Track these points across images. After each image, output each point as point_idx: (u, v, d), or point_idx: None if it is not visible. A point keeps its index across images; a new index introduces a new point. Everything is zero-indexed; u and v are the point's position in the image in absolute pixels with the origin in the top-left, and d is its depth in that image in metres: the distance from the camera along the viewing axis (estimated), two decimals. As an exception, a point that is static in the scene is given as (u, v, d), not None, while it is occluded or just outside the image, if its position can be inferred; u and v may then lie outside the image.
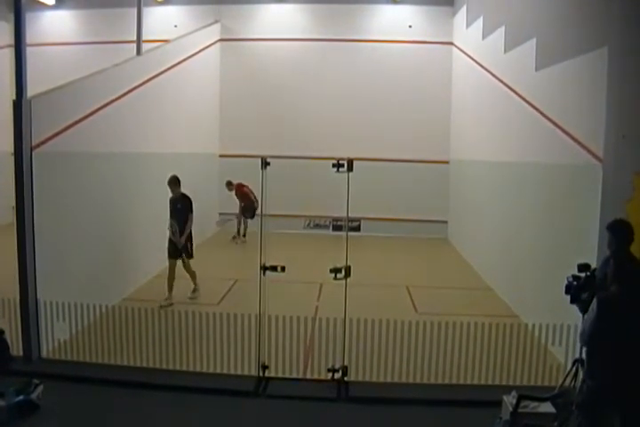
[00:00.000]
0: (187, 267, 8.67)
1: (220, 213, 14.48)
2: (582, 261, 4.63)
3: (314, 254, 11.28)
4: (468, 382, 5.90)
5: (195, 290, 8.74)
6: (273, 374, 6.03)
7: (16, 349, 6.13)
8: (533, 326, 5.97)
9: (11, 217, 6.83)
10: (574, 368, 4.64)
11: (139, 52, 9.98)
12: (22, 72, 6.16)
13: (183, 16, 15.20)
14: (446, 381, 5.93)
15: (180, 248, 8.51)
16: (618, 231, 4.34)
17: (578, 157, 6.41)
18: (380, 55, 14.97)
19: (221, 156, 14.96)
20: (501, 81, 9.88)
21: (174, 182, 8.51)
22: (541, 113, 7.75)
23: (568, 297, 4.56)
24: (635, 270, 4.23)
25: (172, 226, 8.43)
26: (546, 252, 7.32)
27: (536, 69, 8.04)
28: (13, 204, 6.18)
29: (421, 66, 14.83)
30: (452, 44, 14.52)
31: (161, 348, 6.25)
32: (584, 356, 4.37)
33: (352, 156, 6.22)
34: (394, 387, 5.85)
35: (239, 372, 6.02)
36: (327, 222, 15.12)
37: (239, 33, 15.18)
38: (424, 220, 14.65)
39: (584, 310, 4.31)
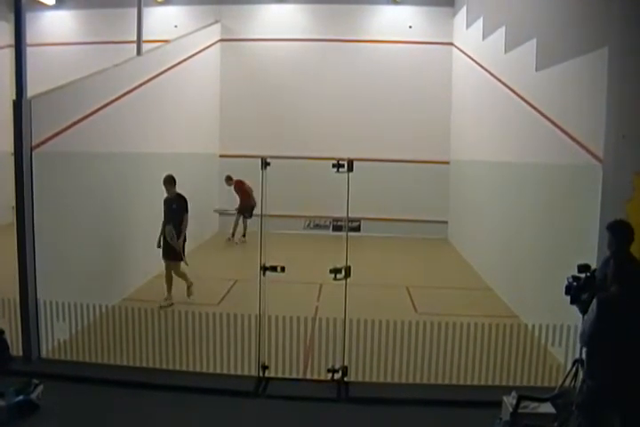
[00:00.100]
0: (176, 270, 8.52)
1: (221, 214, 14.49)
2: (582, 261, 4.63)
3: (314, 255, 11.28)
4: (468, 382, 5.89)
5: (188, 288, 8.62)
6: (273, 375, 6.02)
7: (16, 349, 6.14)
8: (533, 326, 5.97)
9: (11, 217, 6.83)
10: (574, 369, 4.64)
11: (139, 52, 9.99)
12: (22, 72, 6.16)
13: (183, 16, 15.20)
14: (446, 381, 5.93)
15: (178, 249, 8.43)
16: (618, 232, 4.34)
17: (578, 158, 6.41)
18: (381, 55, 14.97)
19: (221, 156, 14.95)
20: (501, 81, 9.88)
21: (170, 182, 8.43)
22: (541, 113, 7.75)
23: (568, 298, 4.55)
24: (635, 271, 4.23)
25: (169, 232, 8.27)
26: (546, 252, 7.32)
27: (536, 70, 8.04)
28: (13, 204, 6.18)
29: (421, 66, 14.84)
30: (452, 44, 14.52)
31: (161, 348, 6.25)
32: (584, 356, 4.37)
33: (352, 156, 6.21)
34: (394, 387, 5.85)
35: (239, 372, 6.02)
36: (327, 223, 15.11)
37: (239, 33, 15.18)
38: (424, 220, 14.65)
39: (584, 311, 4.31)
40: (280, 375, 6.02)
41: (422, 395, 5.68)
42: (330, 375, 5.92)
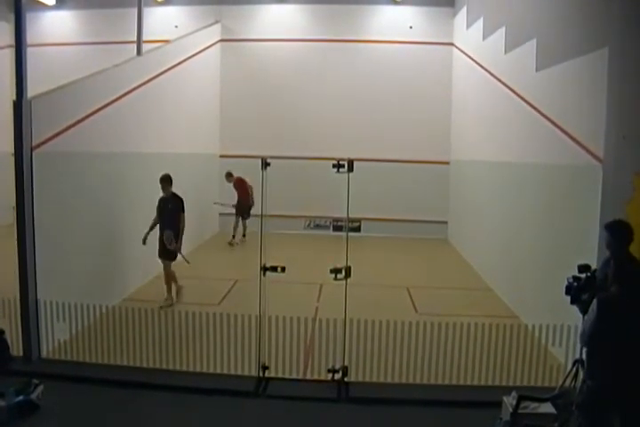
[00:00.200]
0: (167, 269, 8.45)
1: (221, 214, 14.48)
2: (582, 261, 4.63)
3: (314, 255, 11.29)
4: (469, 382, 5.89)
5: (178, 291, 8.49)
6: (273, 375, 6.02)
7: (16, 349, 6.15)
8: (533, 326, 5.97)
9: (11, 217, 6.83)
10: (574, 369, 4.63)
11: (139, 52, 9.99)
12: (23, 72, 6.16)
13: (183, 16, 15.21)
14: (446, 381, 5.92)
15: (175, 251, 8.37)
16: (616, 232, 4.33)
17: (578, 158, 6.41)
18: (381, 56, 14.98)
19: (222, 156, 14.94)
20: (502, 81, 9.88)
21: (166, 181, 8.34)
22: (542, 113, 7.75)
23: (568, 298, 4.55)
24: (635, 271, 4.23)
25: (168, 238, 8.20)
26: (546, 252, 7.32)
27: (536, 70, 8.04)
28: (14, 204, 6.18)
29: (422, 67, 14.84)
30: (452, 44, 14.52)
31: (161, 348, 6.25)
32: (584, 356, 4.37)
33: (352, 156, 6.21)
34: (394, 387, 5.85)
35: (239, 372, 6.02)
36: (327, 223, 15.12)
37: (239, 33, 15.19)
38: (424, 220, 14.65)
39: (584, 311, 4.30)
40: (280, 376, 6.01)
41: (422, 395, 5.68)
42: (330, 376, 5.92)
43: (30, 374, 5.67)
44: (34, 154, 6.21)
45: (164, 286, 8.41)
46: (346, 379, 5.91)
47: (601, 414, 4.15)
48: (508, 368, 5.83)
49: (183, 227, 8.33)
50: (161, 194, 8.38)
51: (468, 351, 6.09)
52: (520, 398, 4.77)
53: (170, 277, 8.42)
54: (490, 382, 5.80)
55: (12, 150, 6.13)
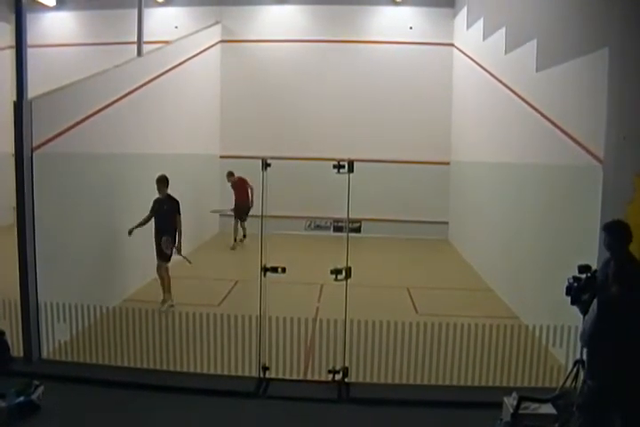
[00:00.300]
0: (159, 270, 8.37)
1: (221, 215, 14.47)
2: (583, 262, 4.62)
3: (314, 256, 11.28)
4: (469, 383, 5.89)
5: (164, 301, 8.25)
6: (273, 376, 6.02)
7: (17, 350, 6.15)
8: (534, 327, 5.96)
9: (12, 218, 6.83)
10: (575, 369, 4.63)
11: (139, 53, 10.01)
12: (23, 73, 6.16)
13: (184, 17, 15.22)
14: (447, 382, 5.92)
15: (172, 253, 8.28)
16: (615, 232, 4.33)
17: (578, 159, 6.41)
18: (381, 56, 14.98)
19: (222, 157, 14.94)
20: (502, 82, 9.88)
21: (163, 182, 8.26)
22: (542, 114, 7.75)
23: (569, 298, 4.55)
24: (635, 272, 4.23)
25: (165, 243, 8.13)
26: (546, 253, 7.32)
27: (537, 70, 8.04)
28: (14, 204, 6.18)
29: (422, 67, 14.84)
30: (452, 45, 14.53)
31: (161, 349, 6.25)
32: (585, 357, 4.37)
33: (353, 157, 6.20)
34: (394, 388, 5.85)
35: (240, 373, 6.02)
36: (328, 223, 15.11)
37: (240, 34, 15.20)
38: (425, 221, 14.65)
39: (585, 312, 4.30)
40: (281, 376, 6.01)
41: (423, 396, 5.68)
42: (330, 376, 5.92)
43: (31, 374, 5.67)
44: (34, 155, 6.22)
45: (163, 289, 8.36)
46: (346, 380, 5.91)
47: (601, 415, 4.14)
48: (508, 369, 5.83)
49: (180, 228, 8.26)
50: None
51: (468, 352, 6.09)
52: (521, 399, 4.77)
53: (167, 284, 8.34)
54: (490, 383, 5.80)
55: (13, 151, 6.13)
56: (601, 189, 5.74)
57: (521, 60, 8.77)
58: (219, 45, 14.97)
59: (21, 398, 5.16)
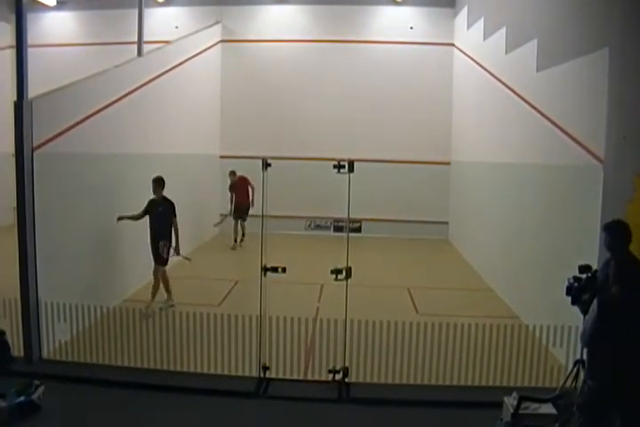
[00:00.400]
0: (156, 272, 8.23)
1: (221, 215, 14.45)
2: (583, 262, 4.62)
3: (315, 255, 11.28)
4: (469, 383, 5.89)
5: (153, 295, 8.14)
6: (274, 376, 6.02)
7: (17, 349, 6.15)
8: (534, 327, 5.96)
9: (12, 218, 6.83)
10: (575, 369, 4.63)
11: (140, 53, 10.01)
12: (23, 73, 6.16)
13: (184, 17, 15.22)
14: (447, 382, 5.92)
15: (170, 257, 8.19)
16: (615, 232, 4.32)
17: (578, 158, 6.41)
18: (381, 56, 14.98)
19: (222, 157, 14.94)
20: (502, 82, 9.88)
21: (159, 183, 8.14)
22: (542, 114, 7.75)
23: (569, 298, 4.55)
24: (636, 272, 4.22)
25: (162, 247, 8.02)
26: (546, 253, 7.32)
27: (537, 70, 8.04)
28: (14, 205, 6.18)
29: (422, 67, 14.84)
30: (452, 45, 14.52)
31: (162, 349, 6.25)
32: (585, 357, 4.37)
33: (353, 157, 6.20)
34: (395, 388, 5.85)
35: (240, 373, 6.02)
36: (328, 223, 15.11)
37: (240, 34, 15.19)
38: (425, 221, 14.66)
39: (585, 312, 4.30)
40: (281, 376, 6.01)
41: (423, 396, 5.68)
42: (331, 376, 5.92)
43: (31, 374, 5.68)
44: (35, 155, 6.21)
45: (163, 289, 8.34)
46: (346, 379, 5.91)
47: (602, 415, 4.14)
48: (508, 369, 5.83)
49: (177, 230, 8.17)
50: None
51: (468, 352, 6.10)
52: (521, 399, 4.77)
53: (165, 282, 8.28)
54: (490, 383, 5.80)
55: (13, 151, 6.13)
56: (601, 188, 5.74)
57: (521, 60, 8.77)
58: (219, 45, 14.97)
59: (22, 398, 5.16)
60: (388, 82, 14.88)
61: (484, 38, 11.33)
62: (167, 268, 8.31)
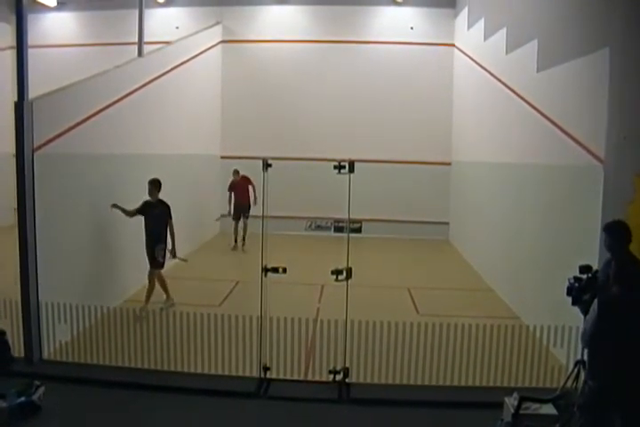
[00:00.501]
0: (151, 276, 8.14)
1: (222, 215, 14.46)
2: (583, 262, 4.62)
3: (315, 256, 11.29)
4: (470, 383, 5.88)
5: (147, 298, 8.01)
6: (274, 376, 6.02)
7: (17, 350, 6.16)
8: (535, 327, 5.96)
9: (12, 219, 6.83)
10: (576, 370, 4.62)
11: (140, 53, 10.01)
12: (24, 74, 6.16)
13: (184, 18, 15.23)
14: (448, 382, 5.91)
15: (166, 260, 8.13)
16: (615, 233, 4.33)
17: (579, 159, 6.41)
18: (382, 57, 14.99)
19: (223, 157, 14.95)
20: (503, 82, 9.88)
21: (155, 184, 8.04)
22: (542, 114, 7.75)
23: (569, 299, 4.55)
24: (635, 272, 4.22)
25: (158, 251, 7.96)
26: (547, 253, 7.32)
27: (537, 71, 8.04)
28: (15, 205, 6.19)
29: (423, 67, 14.84)
30: (453, 45, 14.53)
31: (162, 349, 6.25)
32: (586, 357, 4.37)
33: (354, 157, 6.21)
34: (395, 389, 5.85)
35: (240, 373, 6.02)
36: (328, 224, 15.11)
37: (241, 34, 15.20)
38: (425, 221, 14.66)
39: (586, 312, 4.30)
40: (281, 377, 6.01)
41: (424, 396, 5.68)
42: (331, 377, 5.92)
43: (31, 375, 5.68)
44: (35, 155, 6.21)
45: (161, 290, 8.29)
46: (347, 380, 5.91)
47: (602, 415, 4.14)
48: (509, 369, 5.82)
49: (173, 233, 8.10)
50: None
51: (469, 352, 6.09)
52: (521, 399, 4.76)
53: (161, 282, 8.21)
54: (491, 383, 5.80)
55: (14, 152, 6.13)
56: (601, 189, 5.74)
57: (522, 61, 8.77)
58: (219, 46, 14.98)
59: (22, 399, 5.16)
60: (388, 82, 14.88)
61: (485, 39, 11.33)
62: (167, 268, 8.31)
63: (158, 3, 15.12)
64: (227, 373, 6.02)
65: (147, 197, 8.13)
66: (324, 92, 15.00)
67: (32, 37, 6.58)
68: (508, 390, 5.14)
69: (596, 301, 4.07)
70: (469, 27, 12.90)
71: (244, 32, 15.21)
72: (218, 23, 14.95)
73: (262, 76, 15.10)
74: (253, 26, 15.26)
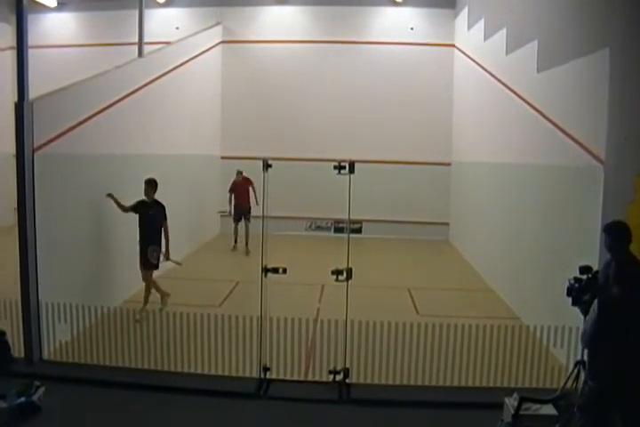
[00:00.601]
0: (145, 277, 8.04)
1: (222, 215, 14.44)
2: (583, 262, 4.62)
3: (315, 256, 11.28)
4: (470, 384, 5.88)
5: (145, 302, 7.93)
6: (274, 376, 6.01)
7: (17, 350, 6.15)
8: (535, 327, 5.96)
9: (13, 219, 6.84)
10: (576, 370, 4.62)
11: (140, 53, 10.01)
12: (24, 74, 6.17)
13: (185, 18, 15.24)
14: (448, 383, 5.91)
15: (160, 262, 8.04)
16: (615, 233, 4.33)
17: (579, 159, 6.41)
18: (382, 57, 14.99)
19: (223, 158, 14.95)
20: (503, 83, 9.88)
21: (151, 184, 7.93)
22: (543, 114, 7.75)
23: (569, 299, 4.55)
24: (635, 272, 4.22)
25: (151, 253, 7.86)
26: (547, 253, 7.32)
27: (537, 71, 8.04)
28: (15, 205, 6.19)
29: (423, 68, 14.84)
30: (453, 45, 14.53)
31: (162, 350, 6.25)
32: (586, 357, 4.36)
33: (354, 157, 6.22)
34: (395, 389, 5.84)
35: (240, 374, 6.02)
36: (329, 224, 15.11)
37: (241, 35, 15.21)
38: (426, 222, 14.65)
39: (586, 312, 4.30)
40: (281, 377, 6.01)
41: (424, 397, 5.68)
42: (331, 377, 5.92)
43: (31, 375, 5.67)
44: (35, 156, 6.22)
45: (157, 293, 8.20)
46: (347, 380, 5.91)
47: (602, 415, 4.14)
48: (509, 370, 5.82)
49: (168, 234, 8.01)
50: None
51: (469, 353, 6.09)
52: (521, 400, 4.76)
53: (154, 285, 8.13)
54: (491, 384, 5.79)
55: (14, 152, 6.13)
56: (602, 189, 5.74)
57: (522, 61, 8.78)
58: (220, 46, 14.99)
59: (22, 399, 5.16)
60: (388, 82, 14.88)
61: (485, 39, 11.34)
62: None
63: (158, 3, 15.12)
64: (227, 373, 6.01)
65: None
66: (323, 93, 15.01)
67: (32, 38, 6.58)
68: (508, 391, 5.14)
69: (596, 301, 4.07)
70: (469, 27, 12.91)
71: (244, 32, 15.21)
72: (218, 24, 14.96)
73: (262, 76, 15.10)
74: (253, 26, 15.27)
